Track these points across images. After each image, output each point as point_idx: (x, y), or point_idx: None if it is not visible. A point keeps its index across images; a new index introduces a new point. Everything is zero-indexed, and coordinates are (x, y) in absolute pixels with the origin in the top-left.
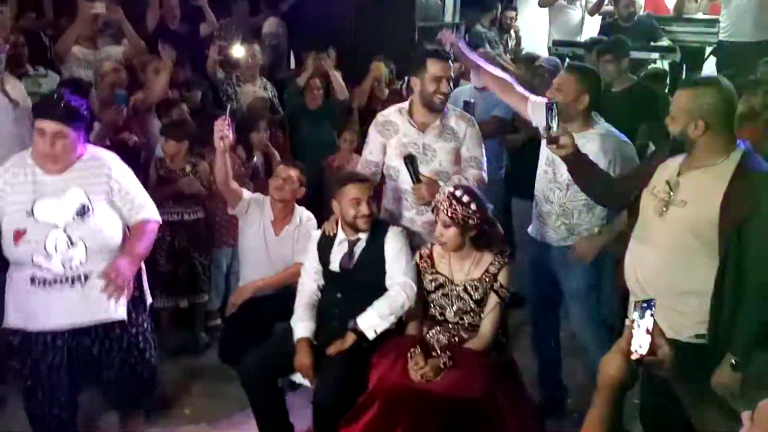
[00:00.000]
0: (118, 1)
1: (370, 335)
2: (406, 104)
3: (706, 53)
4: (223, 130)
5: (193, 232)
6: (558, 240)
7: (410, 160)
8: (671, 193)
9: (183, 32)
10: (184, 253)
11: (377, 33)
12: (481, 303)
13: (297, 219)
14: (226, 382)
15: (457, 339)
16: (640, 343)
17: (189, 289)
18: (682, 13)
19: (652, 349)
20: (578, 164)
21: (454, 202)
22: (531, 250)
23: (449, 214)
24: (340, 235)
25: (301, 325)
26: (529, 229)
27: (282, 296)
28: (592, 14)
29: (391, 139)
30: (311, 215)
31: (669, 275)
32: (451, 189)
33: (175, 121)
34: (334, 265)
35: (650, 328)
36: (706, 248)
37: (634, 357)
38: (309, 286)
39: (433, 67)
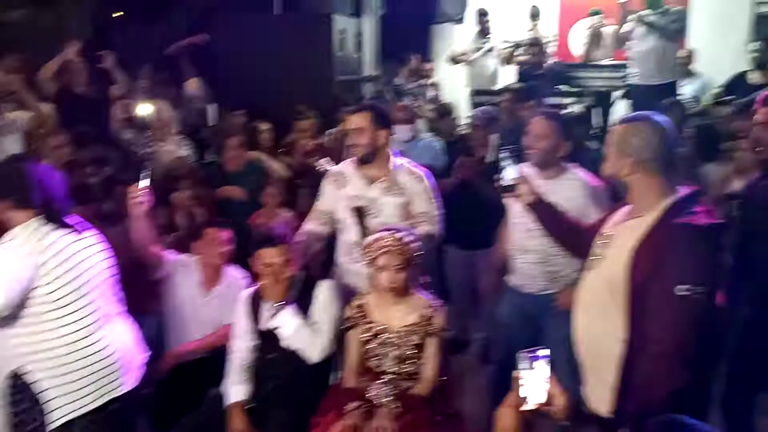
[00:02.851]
0: (20, 67)
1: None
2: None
3: (612, 97)
4: (139, 195)
5: None
6: (540, 290)
7: (358, 213)
8: (604, 246)
9: (90, 95)
10: None
11: (296, 88)
12: (419, 348)
13: (226, 280)
14: None
15: (397, 389)
16: (530, 394)
17: None
18: (589, 60)
19: (549, 399)
20: (543, 212)
21: (403, 242)
22: (512, 300)
23: (403, 256)
24: None
25: (234, 389)
26: (507, 279)
27: (214, 359)
28: (504, 64)
29: (341, 190)
30: (241, 274)
31: (590, 339)
32: (393, 231)
33: (81, 185)
34: (265, 324)
35: (545, 378)
36: (623, 312)
37: (525, 408)
38: (240, 347)
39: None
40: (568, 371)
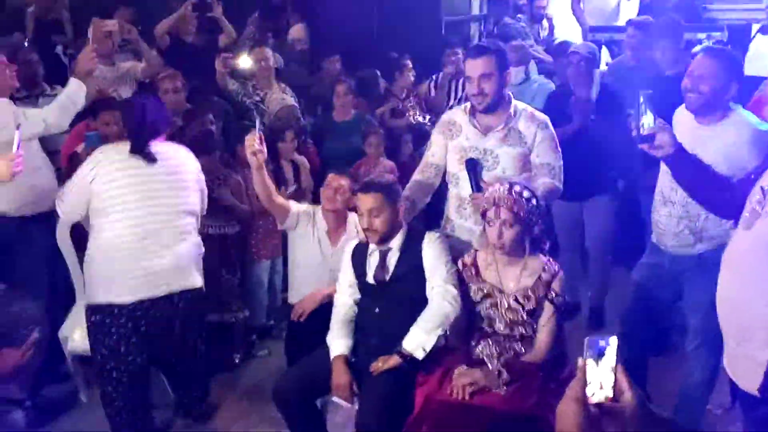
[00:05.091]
0: (133, 18)
1: (420, 355)
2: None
3: (753, 31)
4: (254, 145)
5: (224, 248)
6: (681, 247)
7: (472, 166)
8: (763, 201)
9: (200, 45)
10: (210, 269)
11: (402, 29)
12: (534, 314)
13: (353, 228)
14: (261, 402)
15: (508, 352)
16: (599, 385)
17: (216, 307)
18: None
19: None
20: (684, 166)
21: (517, 197)
22: (650, 258)
23: (514, 210)
24: (372, 245)
25: (337, 343)
26: (652, 237)
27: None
28: None
29: (452, 141)
30: None
31: (741, 306)
32: (509, 184)
33: (203, 133)
34: (370, 278)
35: (613, 368)
36: None
37: (594, 401)
38: (344, 300)
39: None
40: (705, 337)
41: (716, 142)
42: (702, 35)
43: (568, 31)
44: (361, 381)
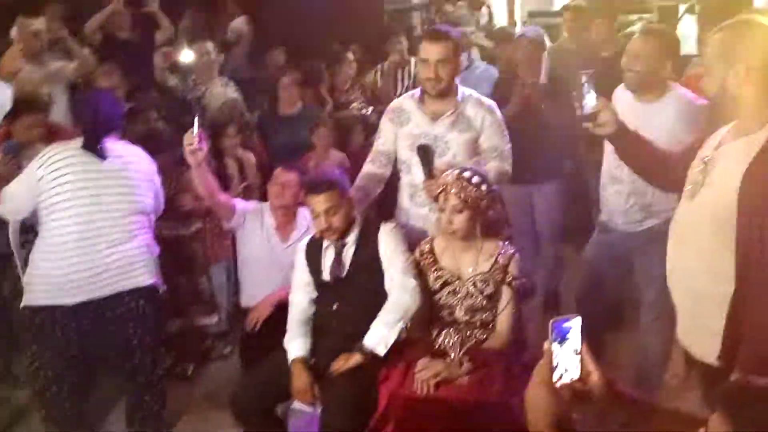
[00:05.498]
0: (64, 16)
1: (382, 351)
2: (418, 90)
3: (680, 12)
4: (193, 143)
5: (180, 250)
6: (631, 224)
7: (423, 153)
8: (705, 171)
9: (135, 41)
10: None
11: (345, 19)
12: (492, 298)
13: (303, 223)
14: (218, 412)
15: (470, 340)
16: (566, 367)
17: (175, 313)
18: None
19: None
20: (626, 143)
21: (464, 183)
22: (599, 238)
23: (461, 196)
24: (326, 240)
25: (295, 344)
26: (601, 216)
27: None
28: None
29: (402, 128)
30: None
31: (689, 279)
32: (458, 170)
33: (152, 132)
34: (326, 275)
35: (578, 349)
36: (730, 245)
37: (560, 384)
38: (300, 300)
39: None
40: (658, 311)
41: (656, 118)
42: (633, 17)
43: (505, 17)
44: (322, 383)
